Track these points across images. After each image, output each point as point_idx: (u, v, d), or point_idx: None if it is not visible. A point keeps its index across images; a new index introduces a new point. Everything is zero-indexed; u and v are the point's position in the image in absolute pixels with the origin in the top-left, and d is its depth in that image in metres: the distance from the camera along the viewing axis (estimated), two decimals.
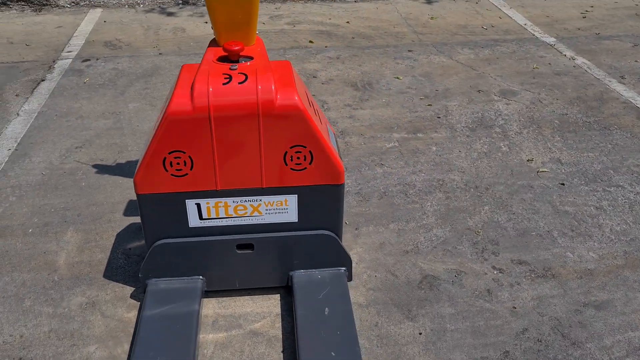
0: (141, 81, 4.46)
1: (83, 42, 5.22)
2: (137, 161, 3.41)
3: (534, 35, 5.45)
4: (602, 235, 2.85)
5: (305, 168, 2.22)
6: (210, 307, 2.43)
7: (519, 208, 3.04)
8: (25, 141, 3.65)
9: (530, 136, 3.72)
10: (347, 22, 5.74)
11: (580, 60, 4.89)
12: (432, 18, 5.86)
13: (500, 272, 2.62)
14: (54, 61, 4.82)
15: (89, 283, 2.56)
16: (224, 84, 2.10)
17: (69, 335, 2.31)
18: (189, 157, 2.15)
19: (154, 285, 2.36)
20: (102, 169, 3.36)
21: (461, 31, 5.54)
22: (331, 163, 2.22)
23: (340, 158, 2.31)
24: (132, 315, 2.38)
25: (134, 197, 3.10)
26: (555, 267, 2.65)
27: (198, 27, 5.60)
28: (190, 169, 2.17)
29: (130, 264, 2.65)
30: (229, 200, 2.26)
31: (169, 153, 2.13)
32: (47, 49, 5.06)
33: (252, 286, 2.47)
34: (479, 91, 4.33)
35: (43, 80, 4.47)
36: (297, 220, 2.34)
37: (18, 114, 3.98)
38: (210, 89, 2.08)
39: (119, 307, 2.43)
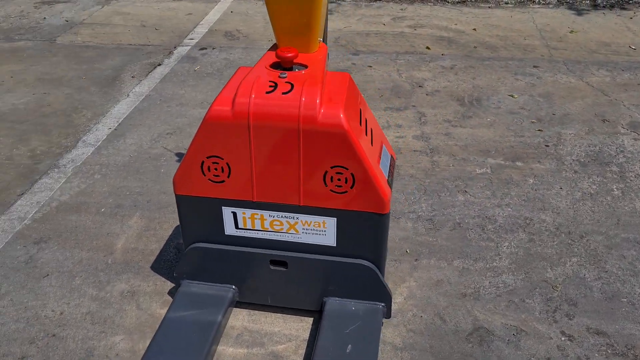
0: None
1: (206, 30, 5.41)
2: None
3: None
4: None
5: (346, 192, 2.04)
6: (240, 319, 2.35)
7: (615, 266, 2.59)
8: (125, 122, 3.84)
9: None
10: (474, 29, 5.35)
11: None
12: (571, 32, 5.28)
13: (569, 340, 2.24)
14: (174, 47, 5.04)
15: (136, 272, 2.60)
16: (267, 92, 1.98)
17: (102, 321, 2.35)
18: (227, 163, 2.07)
19: (186, 287, 2.33)
20: (183, 157, 3.42)
21: (602, 49, 4.92)
22: (375, 190, 2.01)
23: (390, 185, 2.09)
24: (164, 312, 2.37)
25: None
26: None
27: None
28: (228, 176, 2.09)
29: (178, 259, 2.65)
30: (265, 213, 2.15)
31: (207, 157, 2.07)
32: (172, 35, 5.32)
33: (284, 305, 2.35)
34: (604, 120, 3.79)
35: (159, 65, 4.69)
36: (335, 245, 2.17)
37: (128, 95, 4.20)
38: (253, 96, 1.97)
39: (155, 301, 2.44)
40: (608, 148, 3.49)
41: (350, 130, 1.94)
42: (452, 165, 3.33)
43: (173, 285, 2.51)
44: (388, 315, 2.26)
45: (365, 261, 2.17)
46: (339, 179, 2.02)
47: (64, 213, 2.98)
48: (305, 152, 1.99)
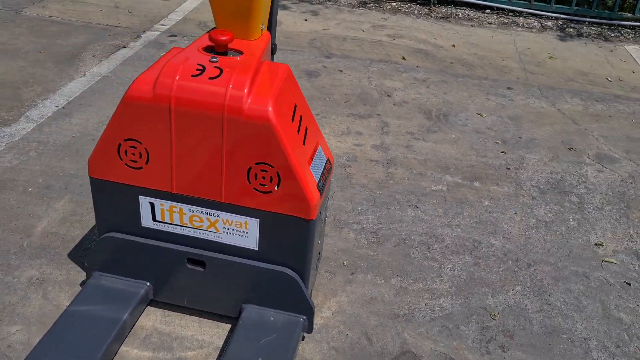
0: None
1: (180, 18, 5.23)
2: None
3: None
4: None
5: (271, 191, 1.88)
6: (152, 319, 2.17)
7: (559, 299, 2.46)
8: (75, 102, 3.65)
9: (611, 216, 3.06)
10: (453, 45, 5.25)
11: None
12: (550, 57, 5.20)
13: None
14: (144, 31, 4.86)
15: (50, 258, 2.41)
16: (193, 75, 1.82)
17: (1, 308, 2.16)
18: (145, 149, 1.90)
19: (95, 279, 2.15)
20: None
21: (579, 78, 4.83)
22: (301, 193, 1.86)
23: (321, 190, 1.94)
24: None
25: None
26: None
27: (296, 23, 5.41)
28: (146, 163, 1.92)
29: None
30: (185, 207, 1.98)
31: (125, 140, 1.90)
32: (144, 19, 5.13)
33: (201, 308, 2.18)
34: (570, 149, 3.69)
35: (124, 47, 4.50)
36: (257, 249, 2.01)
37: (84, 74, 4.01)
38: (177, 78, 1.81)
39: (64, 292, 2.25)
40: (570, 177, 3.38)
41: (277, 124, 1.79)
42: (407, 179, 3.19)
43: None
44: (310, 329, 2.10)
45: (287, 269, 2.01)
46: (263, 177, 1.86)
47: None
48: (228, 145, 1.83)
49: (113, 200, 2.03)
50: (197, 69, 1.84)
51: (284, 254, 2.00)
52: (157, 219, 2.03)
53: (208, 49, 1.96)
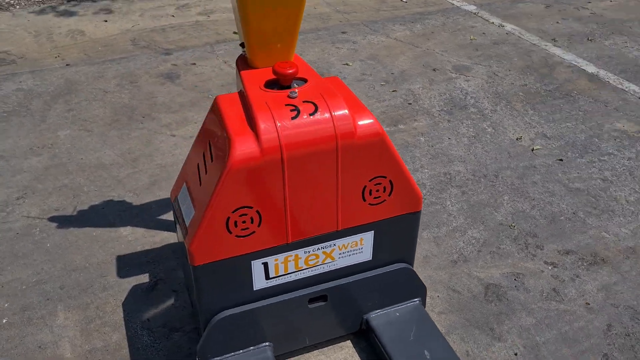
0: (60, 101, 3.75)
1: None
2: (102, 205, 2.85)
3: (453, 4, 5.44)
4: (622, 208, 2.88)
5: (384, 200, 1.91)
6: None
7: (535, 192, 2.98)
8: None
9: (505, 113, 3.68)
10: None
11: (509, 26, 4.95)
12: None
13: (554, 267, 2.53)
14: None
15: None
16: (293, 118, 1.71)
17: None
18: (257, 212, 1.75)
19: None
20: (63, 221, 2.75)
21: (383, 6, 5.37)
22: (411, 190, 1.94)
23: None
24: None
25: (119, 252, 2.57)
26: (601, 251, 2.62)
27: (98, 27, 4.85)
28: (258, 226, 1.77)
29: (158, 340, 2.18)
30: (300, 251, 1.89)
31: (233, 212, 1.72)
32: None
33: (324, 339, 2.14)
34: (434, 70, 4.20)
35: None
36: (371, 259, 2.04)
37: None
38: (278, 125, 1.69)
39: None
40: (455, 93, 3.90)
41: (386, 135, 1.81)
42: None
43: None
44: (424, 306, 2.24)
45: (402, 263, 2.09)
46: (377, 190, 1.88)
47: None
48: (343, 171, 1.80)
49: (222, 279, 1.83)
50: (292, 110, 1.72)
51: (396, 251, 2.06)
52: (271, 276, 1.90)
53: (271, 85, 1.82)
